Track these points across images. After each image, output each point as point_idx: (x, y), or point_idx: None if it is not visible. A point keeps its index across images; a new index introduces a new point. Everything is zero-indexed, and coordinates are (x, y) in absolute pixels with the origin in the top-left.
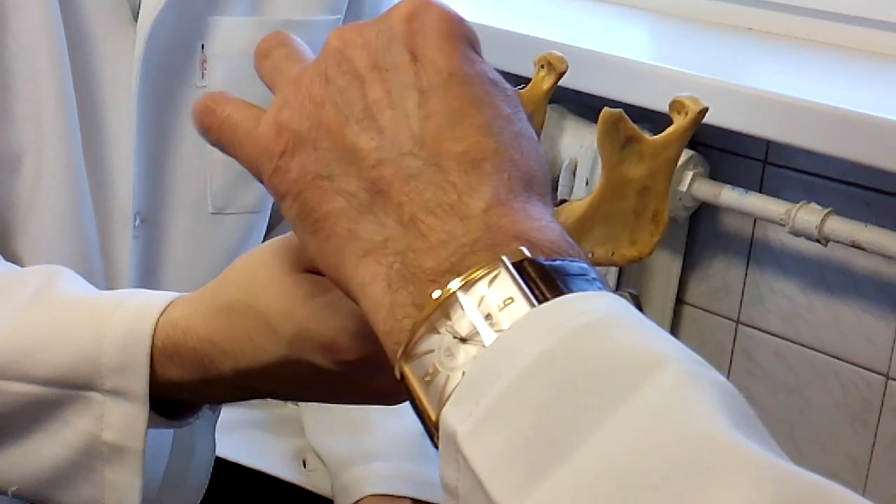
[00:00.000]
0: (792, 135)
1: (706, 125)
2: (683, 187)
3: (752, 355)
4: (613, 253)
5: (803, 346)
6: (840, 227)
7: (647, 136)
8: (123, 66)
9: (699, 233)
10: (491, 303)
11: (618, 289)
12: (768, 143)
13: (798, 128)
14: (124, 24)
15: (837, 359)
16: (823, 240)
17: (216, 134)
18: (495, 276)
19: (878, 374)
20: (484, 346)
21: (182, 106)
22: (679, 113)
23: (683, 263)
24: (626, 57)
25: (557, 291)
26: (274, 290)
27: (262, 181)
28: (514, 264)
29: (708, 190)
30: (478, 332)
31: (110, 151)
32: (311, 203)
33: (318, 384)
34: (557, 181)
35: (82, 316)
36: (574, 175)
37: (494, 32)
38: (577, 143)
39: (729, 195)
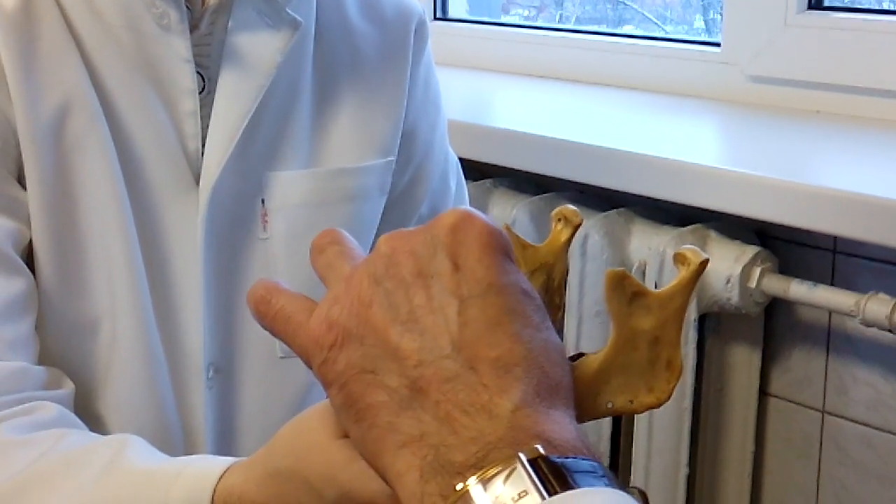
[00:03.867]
0: (858, 229)
1: (774, 223)
2: (752, 284)
3: (841, 445)
4: (632, 401)
5: (891, 433)
6: None
7: (653, 290)
8: (188, 228)
9: (776, 325)
10: (506, 496)
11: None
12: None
13: (864, 222)
14: (186, 188)
15: None
16: (895, 329)
17: (270, 322)
18: (512, 471)
19: None
20: None
21: (246, 259)
22: (682, 265)
23: (763, 356)
24: (692, 162)
25: (567, 486)
26: (317, 456)
27: (311, 369)
28: (529, 460)
29: (777, 285)
30: None
31: (180, 309)
32: (356, 394)
33: None
34: None
35: (147, 486)
36: (644, 277)
37: (558, 144)
38: (645, 247)
39: (798, 289)
